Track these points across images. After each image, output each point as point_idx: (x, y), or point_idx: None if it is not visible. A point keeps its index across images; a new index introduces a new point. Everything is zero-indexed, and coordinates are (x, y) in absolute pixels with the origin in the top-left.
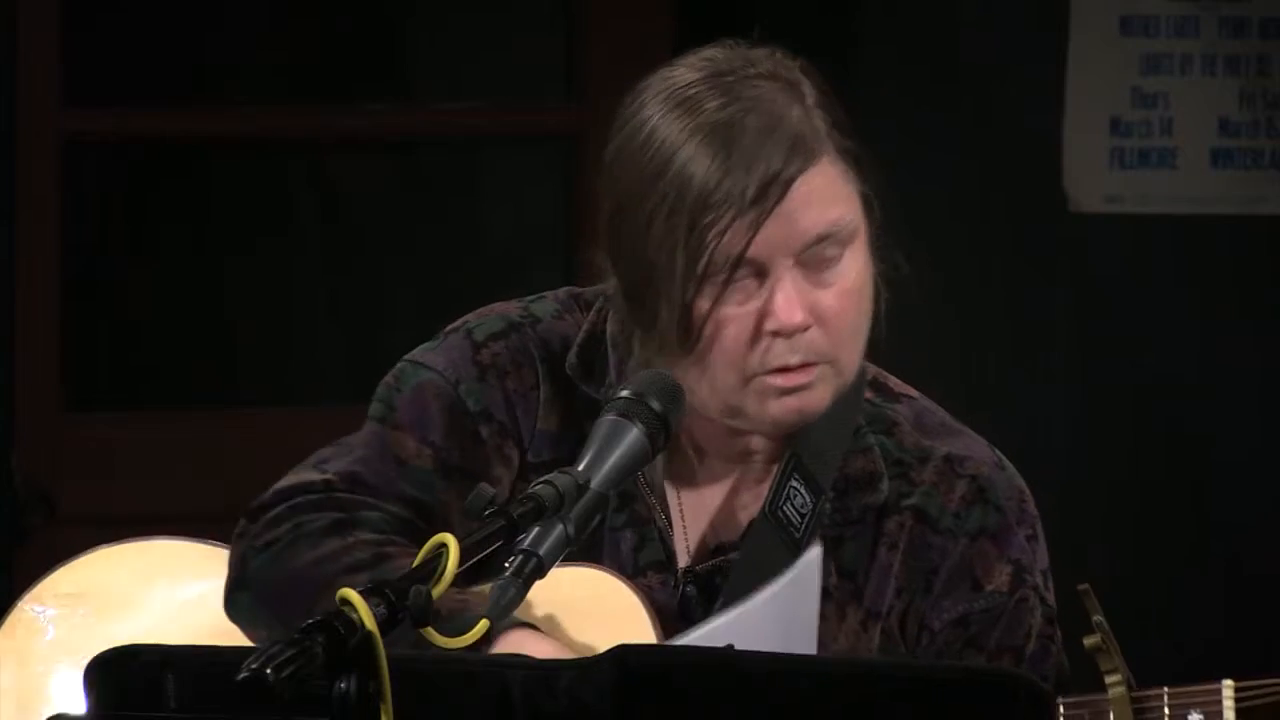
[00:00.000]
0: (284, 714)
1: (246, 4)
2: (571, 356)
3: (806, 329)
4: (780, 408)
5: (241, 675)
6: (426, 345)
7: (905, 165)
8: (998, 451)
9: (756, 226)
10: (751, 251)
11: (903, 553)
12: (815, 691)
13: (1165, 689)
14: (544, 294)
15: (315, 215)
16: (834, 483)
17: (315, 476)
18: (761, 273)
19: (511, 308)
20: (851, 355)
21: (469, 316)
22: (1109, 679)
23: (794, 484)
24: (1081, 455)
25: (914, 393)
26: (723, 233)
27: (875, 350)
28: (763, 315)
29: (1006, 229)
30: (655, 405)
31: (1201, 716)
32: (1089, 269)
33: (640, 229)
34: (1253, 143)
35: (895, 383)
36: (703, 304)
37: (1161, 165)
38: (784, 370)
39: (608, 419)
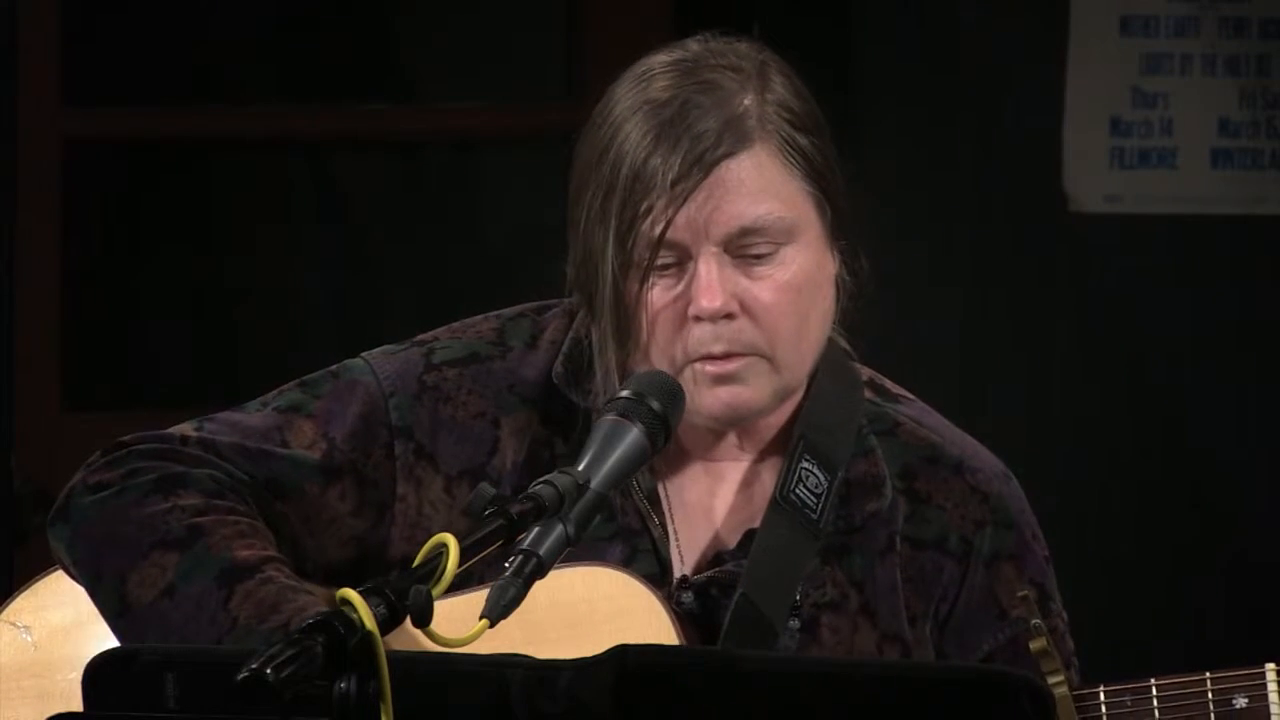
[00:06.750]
0: (284, 714)
1: (246, 4)
2: (558, 365)
3: (730, 316)
4: (712, 398)
5: (241, 675)
6: (389, 348)
7: (905, 165)
8: (999, 460)
9: (676, 207)
10: (672, 234)
11: (905, 576)
12: (815, 691)
13: (1208, 674)
14: (525, 312)
15: (315, 215)
16: (838, 485)
17: (180, 431)
18: (685, 257)
19: (485, 333)
20: (792, 353)
21: (441, 332)
22: (1053, 680)
23: (805, 465)
24: (1081, 455)
25: (911, 395)
26: (646, 213)
27: (871, 350)
28: (687, 301)
29: (1006, 229)
30: (655, 405)
31: (1247, 700)
32: (1089, 269)
33: (584, 210)
34: (1253, 143)
35: (892, 385)
36: (632, 287)
37: (1161, 165)
38: (710, 358)
39: (608, 419)
